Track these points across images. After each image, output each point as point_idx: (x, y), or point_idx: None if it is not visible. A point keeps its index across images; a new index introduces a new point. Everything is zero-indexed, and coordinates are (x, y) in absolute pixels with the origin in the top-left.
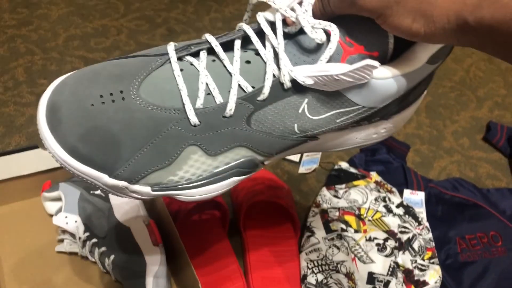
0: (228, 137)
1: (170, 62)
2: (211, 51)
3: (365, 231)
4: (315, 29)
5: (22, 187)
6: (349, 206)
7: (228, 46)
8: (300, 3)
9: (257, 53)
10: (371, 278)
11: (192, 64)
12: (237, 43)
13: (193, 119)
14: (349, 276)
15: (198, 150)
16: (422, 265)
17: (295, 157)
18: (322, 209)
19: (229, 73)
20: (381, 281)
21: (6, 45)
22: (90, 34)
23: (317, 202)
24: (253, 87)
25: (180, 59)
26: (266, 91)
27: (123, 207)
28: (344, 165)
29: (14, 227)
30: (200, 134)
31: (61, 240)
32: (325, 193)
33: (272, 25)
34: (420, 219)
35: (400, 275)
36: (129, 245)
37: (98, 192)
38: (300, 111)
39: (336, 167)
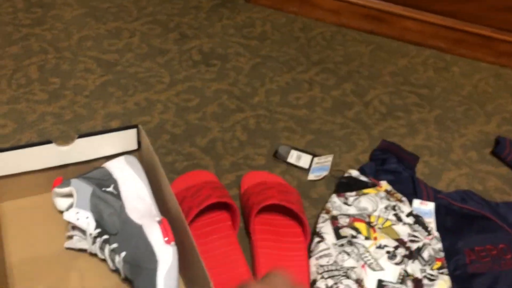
0: None
1: None
2: None
3: (375, 238)
4: None
5: (33, 182)
6: (359, 213)
7: None
8: None
9: None
10: (380, 286)
11: None
12: None
13: None
14: (359, 282)
15: None
16: (432, 275)
17: (304, 164)
18: (332, 215)
19: None
20: None
21: (20, 43)
22: (103, 36)
23: (327, 208)
24: None
25: None
26: None
27: (135, 205)
28: (354, 173)
29: (24, 222)
30: None
31: (71, 237)
32: (335, 199)
33: None
34: (429, 229)
35: (409, 283)
36: (141, 243)
37: (110, 189)
38: None
39: (346, 174)
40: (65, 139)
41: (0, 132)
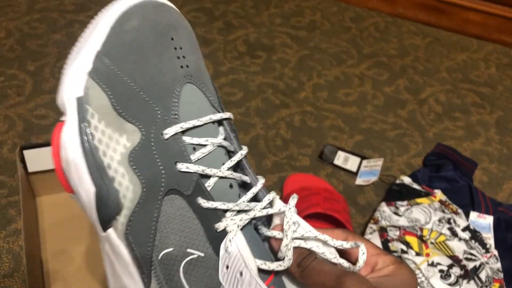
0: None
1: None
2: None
3: (427, 254)
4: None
5: None
6: (411, 225)
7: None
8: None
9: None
10: None
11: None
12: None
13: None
14: None
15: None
16: None
17: (352, 167)
18: (380, 226)
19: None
20: None
21: (65, 30)
22: None
23: (376, 218)
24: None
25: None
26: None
27: None
28: (406, 180)
29: (60, 217)
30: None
31: None
32: (385, 208)
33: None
34: (488, 246)
35: None
36: None
37: None
38: None
39: (397, 181)
40: None
41: (41, 123)
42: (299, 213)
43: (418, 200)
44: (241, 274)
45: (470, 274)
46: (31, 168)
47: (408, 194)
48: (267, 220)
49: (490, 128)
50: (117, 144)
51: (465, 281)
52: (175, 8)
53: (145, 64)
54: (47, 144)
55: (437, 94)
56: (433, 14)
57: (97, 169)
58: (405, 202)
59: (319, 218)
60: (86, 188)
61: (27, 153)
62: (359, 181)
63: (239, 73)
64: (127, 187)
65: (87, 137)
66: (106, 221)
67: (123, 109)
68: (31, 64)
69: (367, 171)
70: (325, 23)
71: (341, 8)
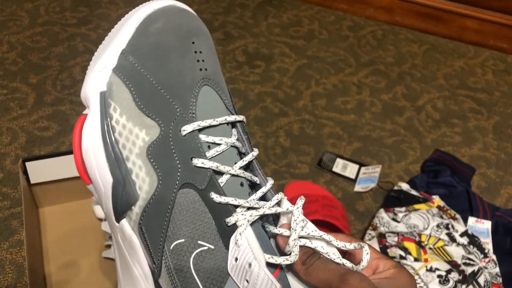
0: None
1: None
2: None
3: (426, 260)
4: None
5: (74, 189)
6: (409, 231)
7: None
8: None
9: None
10: None
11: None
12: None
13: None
14: None
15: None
16: None
17: (351, 174)
18: (379, 232)
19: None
20: None
21: (66, 43)
22: None
23: (374, 224)
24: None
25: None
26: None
27: None
28: (404, 186)
29: (63, 228)
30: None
31: (109, 246)
32: (383, 215)
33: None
34: (486, 251)
35: None
36: None
37: None
38: None
39: (395, 187)
40: None
41: (44, 135)
42: None
43: (416, 206)
44: (249, 265)
45: (468, 279)
46: (33, 179)
47: (406, 200)
48: (274, 220)
49: (488, 133)
50: (136, 137)
51: (463, 286)
52: (196, 15)
53: (167, 64)
54: (49, 155)
55: (435, 101)
56: (430, 22)
57: (116, 161)
58: (403, 208)
59: (318, 225)
60: (104, 178)
61: (29, 164)
62: (357, 188)
63: (239, 82)
64: (143, 179)
65: (108, 130)
66: (121, 212)
67: (144, 104)
68: (33, 77)
69: (366, 178)
70: (323, 32)
71: (338, 17)
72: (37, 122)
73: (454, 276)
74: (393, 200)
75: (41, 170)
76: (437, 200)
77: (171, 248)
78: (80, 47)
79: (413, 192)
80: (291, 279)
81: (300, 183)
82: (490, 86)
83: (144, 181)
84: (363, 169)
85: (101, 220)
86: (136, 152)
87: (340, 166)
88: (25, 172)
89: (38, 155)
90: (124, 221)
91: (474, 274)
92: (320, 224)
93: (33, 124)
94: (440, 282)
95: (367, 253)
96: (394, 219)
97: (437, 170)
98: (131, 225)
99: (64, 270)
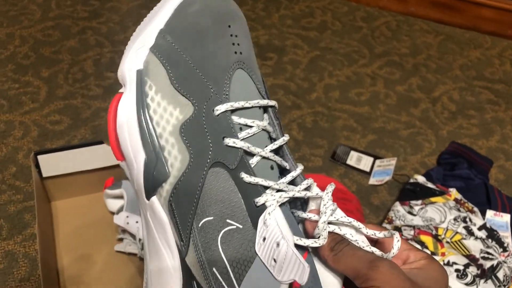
0: None
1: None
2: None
3: (443, 254)
4: None
5: (86, 182)
6: (425, 225)
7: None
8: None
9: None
10: None
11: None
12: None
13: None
14: None
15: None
16: None
17: (365, 167)
18: (395, 226)
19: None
20: None
21: (78, 37)
22: None
23: (390, 218)
24: None
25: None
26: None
27: None
28: (420, 178)
29: (76, 222)
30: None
31: (121, 239)
32: (399, 208)
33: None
34: (505, 245)
35: None
36: None
37: None
38: None
39: (411, 180)
40: None
41: (56, 128)
42: None
43: (433, 199)
44: (277, 244)
45: (487, 273)
46: (45, 173)
47: (423, 193)
48: (302, 206)
49: (506, 125)
50: (170, 115)
51: (482, 281)
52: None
53: (203, 46)
54: (61, 149)
55: (451, 92)
56: (445, 12)
57: (149, 138)
58: (419, 201)
59: None
60: (137, 155)
61: (41, 158)
62: (372, 181)
63: None
64: (175, 156)
65: (143, 107)
66: (152, 189)
67: (180, 83)
68: (45, 71)
69: (381, 170)
70: (336, 23)
71: (352, 8)
72: (49, 115)
73: (472, 270)
74: (409, 193)
75: (53, 164)
76: (454, 193)
77: (199, 225)
78: (91, 41)
79: (430, 185)
80: (318, 265)
81: (314, 177)
82: (508, 77)
83: (176, 158)
84: (377, 162)
85: (113, 213)
86: (170, 130)
87: (354, 159)
88: (37, 165)
89: (50, 149)
90: (154, 198)
91: (493, 269)
92: None
93: (45, 117)
94: (458, 276)
95: (398, 240)
96: (410, 212)
97: (454, 163)
98: (161, 202)
99: (77, 264)
